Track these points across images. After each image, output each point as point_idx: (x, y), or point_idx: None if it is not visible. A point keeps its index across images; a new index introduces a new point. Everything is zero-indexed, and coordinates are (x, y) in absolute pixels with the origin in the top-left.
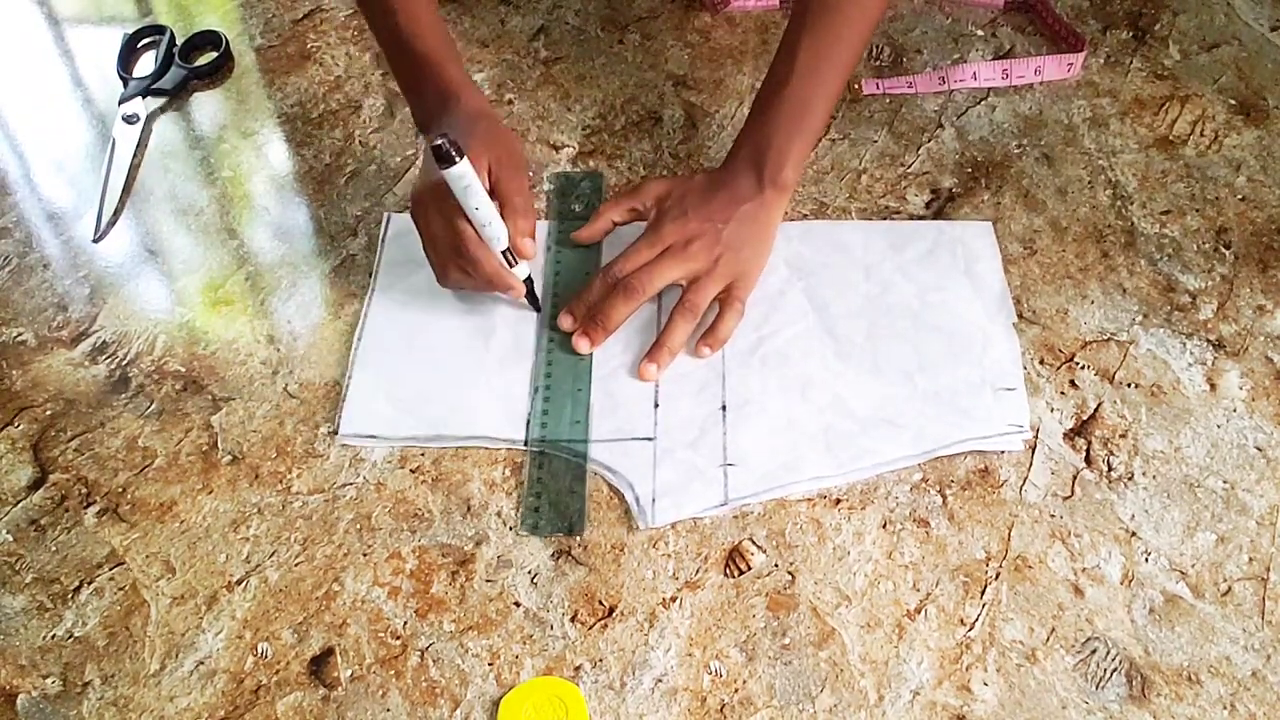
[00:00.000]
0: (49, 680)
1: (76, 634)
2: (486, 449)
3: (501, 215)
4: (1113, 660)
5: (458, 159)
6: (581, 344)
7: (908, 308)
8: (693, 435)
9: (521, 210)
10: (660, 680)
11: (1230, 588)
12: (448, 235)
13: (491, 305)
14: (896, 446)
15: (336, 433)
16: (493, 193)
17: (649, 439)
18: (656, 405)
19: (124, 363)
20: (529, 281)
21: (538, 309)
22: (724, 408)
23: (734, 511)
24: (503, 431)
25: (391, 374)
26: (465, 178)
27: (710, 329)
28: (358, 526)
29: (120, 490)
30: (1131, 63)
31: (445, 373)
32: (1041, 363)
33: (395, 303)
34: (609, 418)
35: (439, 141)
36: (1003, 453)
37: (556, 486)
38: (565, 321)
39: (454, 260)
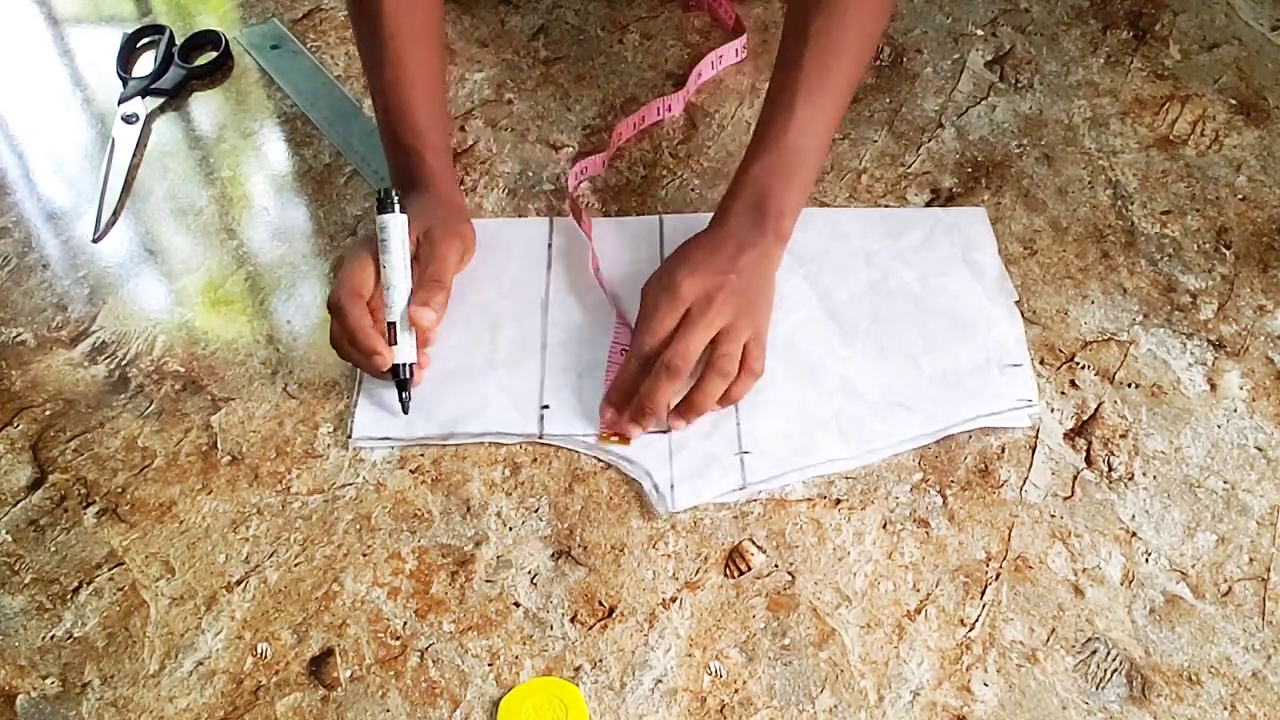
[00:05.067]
0: (48, 681)
1: (76, 634)
2: (487, 448)
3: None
4: (1113, 661)
5: (390, 209)
6: (634, 431)
7: (909, 292)
8: (707, 426)
9: (429, 282)
10: (660, 681)
11: (1231, 588)
12: (335, 287)
13: (495, 303)
14: (908, 428)
15: (349, 437)
16: (415, 260)
17: (664, 432)
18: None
19: (123, 363)
20: (402, 370)
21: (404, 407)
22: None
23: (736, 511)
24: (516, 426)
25: None
26: (388, 230)
27: (726, 393)
28: (357, 527)
29: (119, 490)
30: (1132, 62)
31: (455, 372)
32: (1042, 363)
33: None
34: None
35: (386, 191)
36: (1003, 451)
37: None
38: (608, 414)
39: (334, 315)
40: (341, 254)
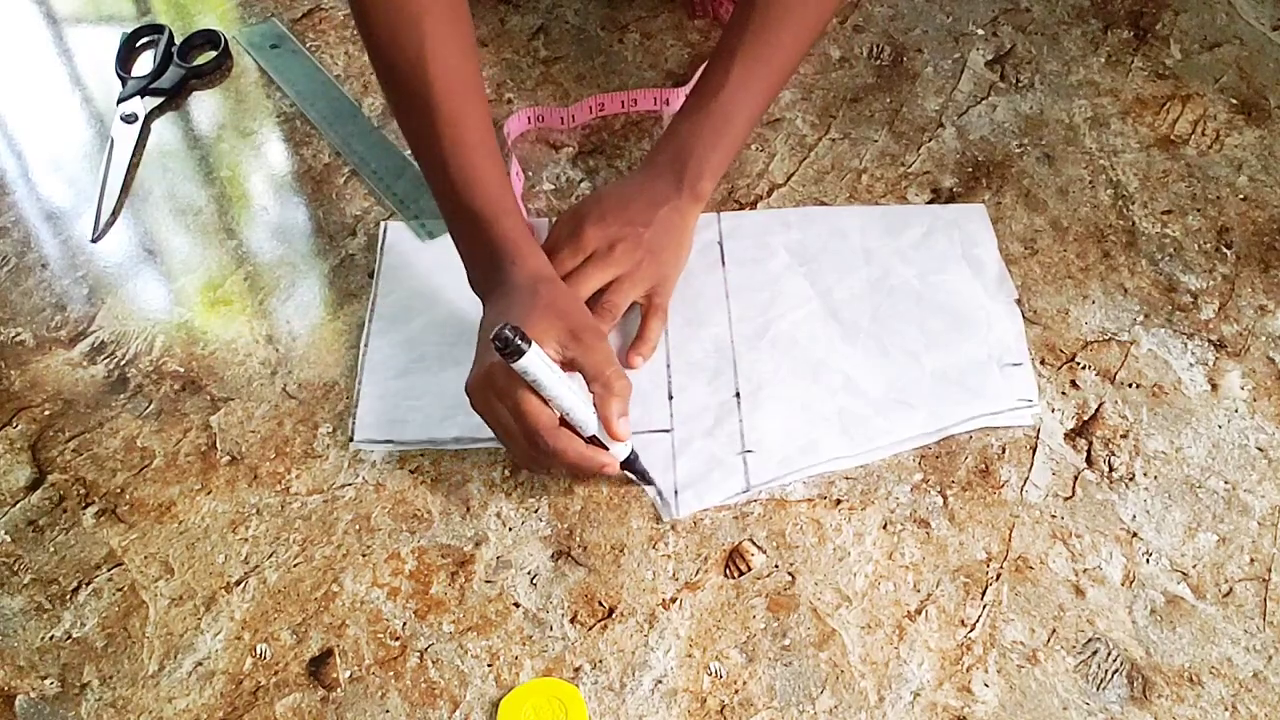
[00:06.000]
0: (47, 681)
1: (75, 635)
2: (487, 449)
3: (592, 392)
4: (1114, 661)
5: (525, 348)
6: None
7: (910, 289)
8: (709, 424)
9: (613, 388)
10: (660, 681)
11: (1231, 589)
12: (520, 425)
13: None
14: (910, 426)
15: (351, 440)
16: (569, 366)
17: (666, 430)
18: (671, 397)
19: (122, 363)
20: (633, 458)
21: (649, 482)
22: (738, 395)
23: (736, 511)
24: None
25: (402, 378)
26: (532, 369)
27: (639, 337)
28: (357, 527)
29: (119, 491)
30: (1133, 62)
31: (457, 373)
32: (1043, 363)
33: (399, 307)
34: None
35: (502, 333)
36: (1004, 451)
37: None
38: None
39: (532, 452)
40: (469, 403)
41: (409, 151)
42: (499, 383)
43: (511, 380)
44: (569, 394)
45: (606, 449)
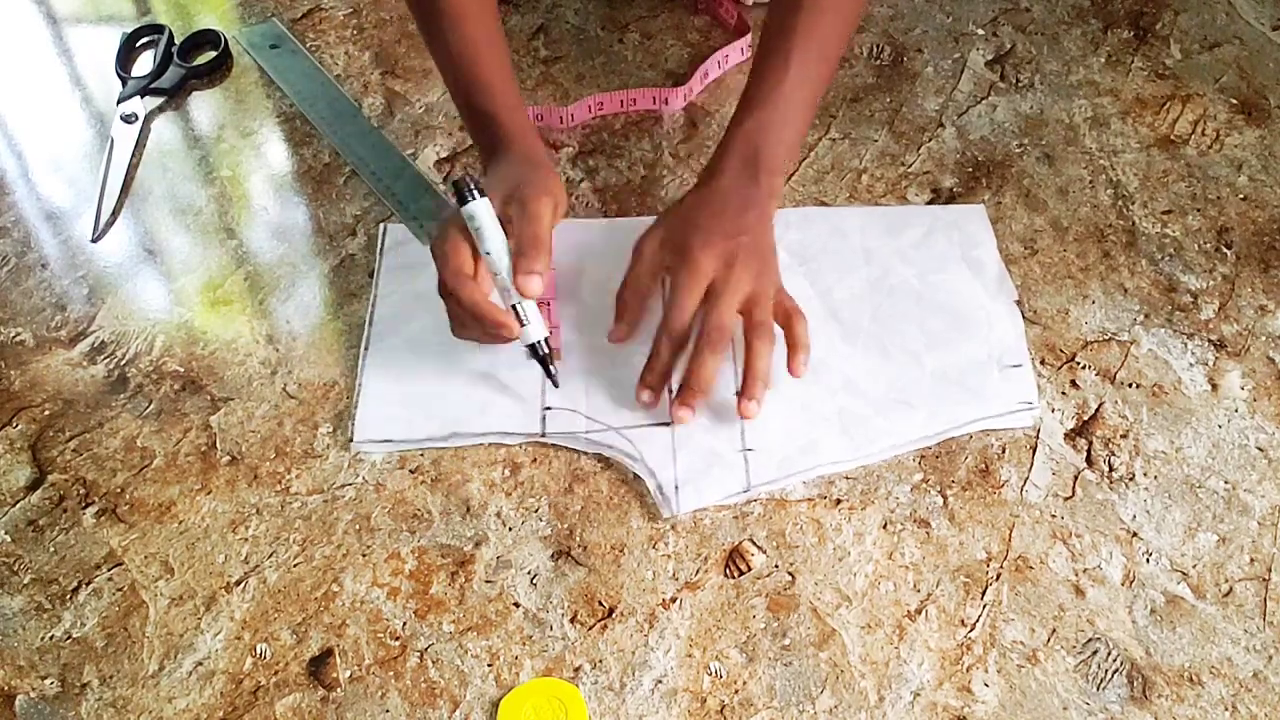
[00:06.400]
0: (47, 681)
1: (75, 635)
2: (487, 449)
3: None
4: (1114, 661)
5: (470, 198)
6: (684, 414)
7: (910, 290)
8: (709, 422)
9: (525, 249)
10: (660, 681)
11: (1232, 588)
12: (440, 273)
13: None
14: (911, 427)
15: (351, 440)
16: (505, 225)
17: (667, 424)
18: (671, 391)
19: (122, 363)
20: (542, 346)
21: (553, 381)
22: (738, 393)
23: (736, 511)
24: (519, 426)
25: (402, 378)
26: (477, 217)
27: (791, 346)
28: (357, 527)
29: (119, 491)
30: (1133, 62)
31: (456, 372)
32: (1043, 363)
33: (399, 307)
34: (625, 406)
35: (460, 179)
36: (1004, 451)
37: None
38: (645, 396)
39: (445, 300)
40: (437, 241)
41: (409, 151)
42: (439, 229)
43: (448, 226)
44: (503, 254)
45: (520, 324)
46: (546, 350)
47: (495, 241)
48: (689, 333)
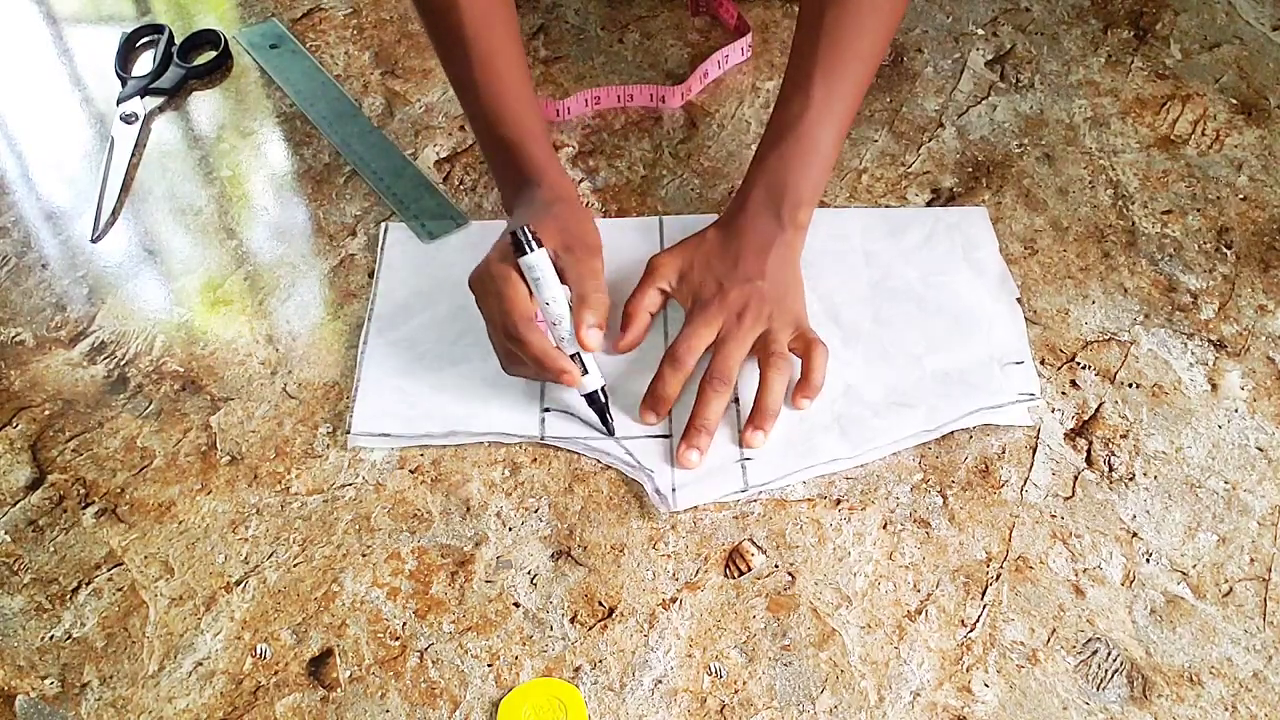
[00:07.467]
0: (47, 681)
1: (75, 635)
2: (487, 449)
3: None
4: (1114, 661)
5: (530, 249)
6: (691, 458)
7: (911, 291)
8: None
9: (589, 300)
10: (660, 681)
11: (1231, 588)
12: (499, 309)
13: None
14: (910, 424)
15: (349, 433)
16: (560, 276)
17: (665, 436)
18: (671, 417)
19: (122, 363)
20: (599, 396)
21: (610, 430)
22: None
23: (736, 511)
24: (518, 426)
25: (401, 373)
26: (537, 268)
27: (803, 379)
28: (357, 527)
29: (119, 491)
30: (1133, 62)
31: (456, 371)
32: (1043, 363)
33: (398, 307)
34: (623, 416)
35: (518, 230)
36: (1004, 451)
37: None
38: (650, 418)
39: (506, 343)
40: (480, 275)
41: (409, 151)
42: (494, 269)
43: (506, 269)
44: (562, 304)
45: (581, 372)
46: (604, 399)
47: (555, 291)
48: (692, 369)
